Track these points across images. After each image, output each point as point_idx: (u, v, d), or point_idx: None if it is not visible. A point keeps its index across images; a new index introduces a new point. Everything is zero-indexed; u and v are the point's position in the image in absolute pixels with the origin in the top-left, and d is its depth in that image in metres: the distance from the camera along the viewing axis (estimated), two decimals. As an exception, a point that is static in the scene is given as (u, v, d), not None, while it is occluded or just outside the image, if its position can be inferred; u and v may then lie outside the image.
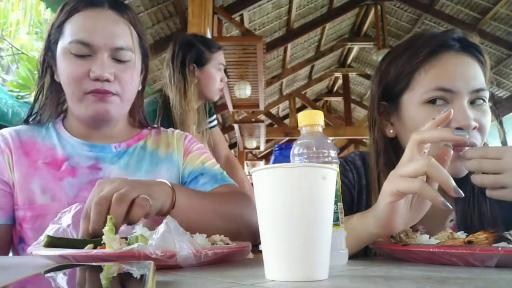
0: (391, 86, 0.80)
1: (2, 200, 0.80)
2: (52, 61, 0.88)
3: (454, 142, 0.59)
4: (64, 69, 0.82)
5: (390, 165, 0.75)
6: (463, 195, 0.53)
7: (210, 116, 1.81)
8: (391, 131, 0.81)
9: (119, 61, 0.84)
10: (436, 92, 0.73)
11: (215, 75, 1.66)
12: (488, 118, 0.74)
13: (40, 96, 0.90)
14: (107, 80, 0.81)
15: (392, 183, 0.56)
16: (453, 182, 0.52)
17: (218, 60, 1.68)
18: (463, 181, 0.73)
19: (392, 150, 0.80)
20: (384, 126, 0.82)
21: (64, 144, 0.87)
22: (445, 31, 0.79)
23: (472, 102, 0.73)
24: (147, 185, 0.65)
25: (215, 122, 1.91)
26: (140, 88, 0.93)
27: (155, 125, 1.03)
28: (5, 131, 0.88)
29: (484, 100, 0.74)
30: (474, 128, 0.71)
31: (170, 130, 1.03)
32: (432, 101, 0.73)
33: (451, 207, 0.53)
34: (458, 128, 0.70)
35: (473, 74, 0.74)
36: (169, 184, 0.70)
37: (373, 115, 0.83)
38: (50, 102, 0.90)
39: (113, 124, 0.90)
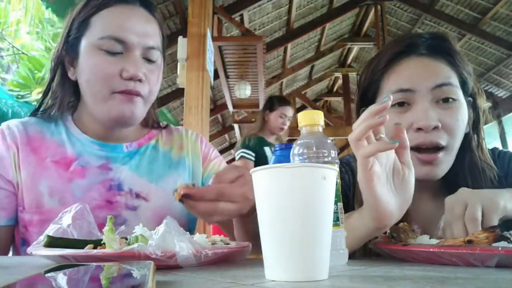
0: (366, 93, 0.83)
1: (4, 200, 0.78)
2: (67, 58, 0.83)
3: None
4: (92, 66, 0.77)
5: None
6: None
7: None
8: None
9: (148, 61, 0.81)
10: (397, 94, 0.74)
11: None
12: (457, 116, 0.73)
13: (50, 94, 0.86)
14: (139, 80, 0.78)
15: (356, 153, 0.57)
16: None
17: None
18: (456, 181, 0.75)
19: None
20: None
21: (73, 142, 0.84)
22: (412, 36, 0.80)
23: (439, 101, 0.73)
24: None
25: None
26: None
27: (164, 123, 0.99)
28: (12, 123, 0.84)
29: (453, 98, 0.73)
30: (436, 127, 0.71)
31: (181, 128, 1.00)
32: (398, 104, 0.75)
33: (396, 142, 0.55)
34: (420, 129, 0.72)
35: (434, 70, 0.74)
36: None
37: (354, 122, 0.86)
38: (60, 101, 0.85)
39: (131, 126, 0.86)
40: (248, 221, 0.74)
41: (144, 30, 0.80)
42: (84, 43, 0.79)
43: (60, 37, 0.85)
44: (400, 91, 0.74)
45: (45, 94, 0.88)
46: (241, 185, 0.66)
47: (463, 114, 0.75)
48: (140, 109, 0.81)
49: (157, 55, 0.83)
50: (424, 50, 0.76)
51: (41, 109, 0.88)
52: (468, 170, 0.78)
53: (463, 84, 0.76)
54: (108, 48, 0.77)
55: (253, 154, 2.63)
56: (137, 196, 0.84)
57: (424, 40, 0.77)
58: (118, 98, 0.77)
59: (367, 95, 0.83)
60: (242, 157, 2.63)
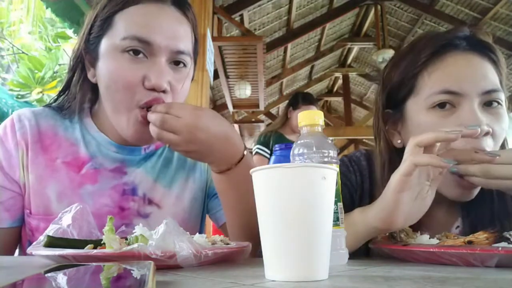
0: (395, 92, 0.75)
1: (10, 202, 0.74)
2: (88, 57, 0.76)
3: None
4: (112, 72, 0.70)
5: None
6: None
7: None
8: (399, 141, 0.76)
9: (176, 66, 0.74)
10: (442, 95, 0.67)
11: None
12: (503, 123, 0.68)
13: (67, 93, 0.81)
14: (163, 91, 0.70)
15: (409, 156, 0.56)
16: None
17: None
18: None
19: (399, 162, 0.74)
20: (391, 135, 0.77)
21: (88, 140, 0.79)
22: (451, 29, 0.73)
23: (484, 105, 0.67)
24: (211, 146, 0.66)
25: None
26: None
27: None
28: (24, 115, 0.78)
29: (498, 103, 0.68)
30: (487, 133, 0.64)
31: None
32: (438, 105, 0.68)
33: (451, 163, 0.54)
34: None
35: (483, 73, 0.67)
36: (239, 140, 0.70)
37: (378, 124, 0.78)
38: (79, 103, 0.79)
39: None
40: (234, 202, 0.71)
41: (174, 31, 0.72)
42: (104, 44, 0.72)
43: (81, 34, 0.78)
44: (447, 92, 0.67)
45: (61, 92, 0.82)
46: (189, 117, 0.64)
47: (506, 120, 0.69)
48: None
49: (186, 61, 0.75)
50: (468, 45, 0.69)
51: (55, 103, 0.83)
52: None
53: (502, 88, 0.70)
54: (131, 49, 0.69)
55: (268, 151, 2.59)
56: (150, 202, 0.80)
57: (466, 34, 0.70)
58: (139, 118, 0.70)
59: (397, 95, 0.74)
60: (257, 153, 2.61)
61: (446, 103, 0.67)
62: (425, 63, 0.70)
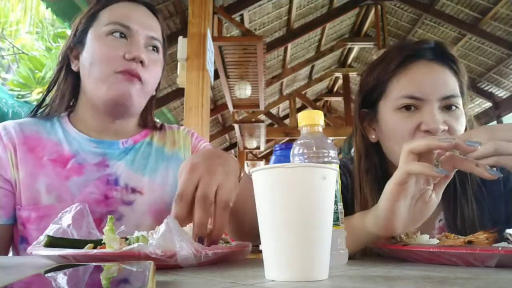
0: (370, 94, 0.85)
1: (3, 199, 0.79)
2: (74, 51, 0.87)
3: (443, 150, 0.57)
4: (97, 49, 0.82)
5: (372, 170, 0.82)
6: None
7: None
8: (373, 136, 0.85)
9: (152, 50, 0.87)
10: (405, 99, 0.76)
11: None
12: (460, 123, 0.76)
13: (55, 87, 0.90)
14: (141, 63, 0.82)
15: (402, 163, 0.57)
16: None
17: None
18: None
19: (375, 155, 0.84)
20: (367, 131, 0.86)
21: (70, 140, 0.86)
22: (418, 41, 0.82)
23: (443, 108, 0.76)
24: (226, 168, 0.63)
25: None
26: (153, 93, 0.93)
27: (159, 122, 1.01)
28: (8, 124, 0.86)
29: (456, 106, 0.76)
30: (443, 131, 0.73)
31: (175, 126, 1.03)
32: (404, 107, 0.77)
33: (444, 172, 0.55)
34: (427, 131, 0.73)
35: (443, 81, 0.76)
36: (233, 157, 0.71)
37: (355, 122, 0.88)
38: (62, 94, 0.88)
39: (128, 115, 0.88)
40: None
41: (147, 22, 0.87)
42: (90, 33, 0.84)
43: (71, 33, 0.89)
44: (411, 98, 0.76)
45: (49, 88, 0.91)
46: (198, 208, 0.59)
47: (464, 121, 0.78)
48: (138, 94, 0.83)
49: (159, 47, 0.88)
50: (432, 56, 0.78)
51: (44, 103, 0.90)
52: (457, 173, 0.78)
53: (461, 94, 0.78)
54: (114, 30, 0.82)
55: None
56: (133, 191, 0.85)
57: (431, 46, 0.79)
58: (118, 77, 0.80)
59: (371, 97, 0.84)
60: None
61: (411, 106, 0.77)
62: (394, 71, 0.80)
